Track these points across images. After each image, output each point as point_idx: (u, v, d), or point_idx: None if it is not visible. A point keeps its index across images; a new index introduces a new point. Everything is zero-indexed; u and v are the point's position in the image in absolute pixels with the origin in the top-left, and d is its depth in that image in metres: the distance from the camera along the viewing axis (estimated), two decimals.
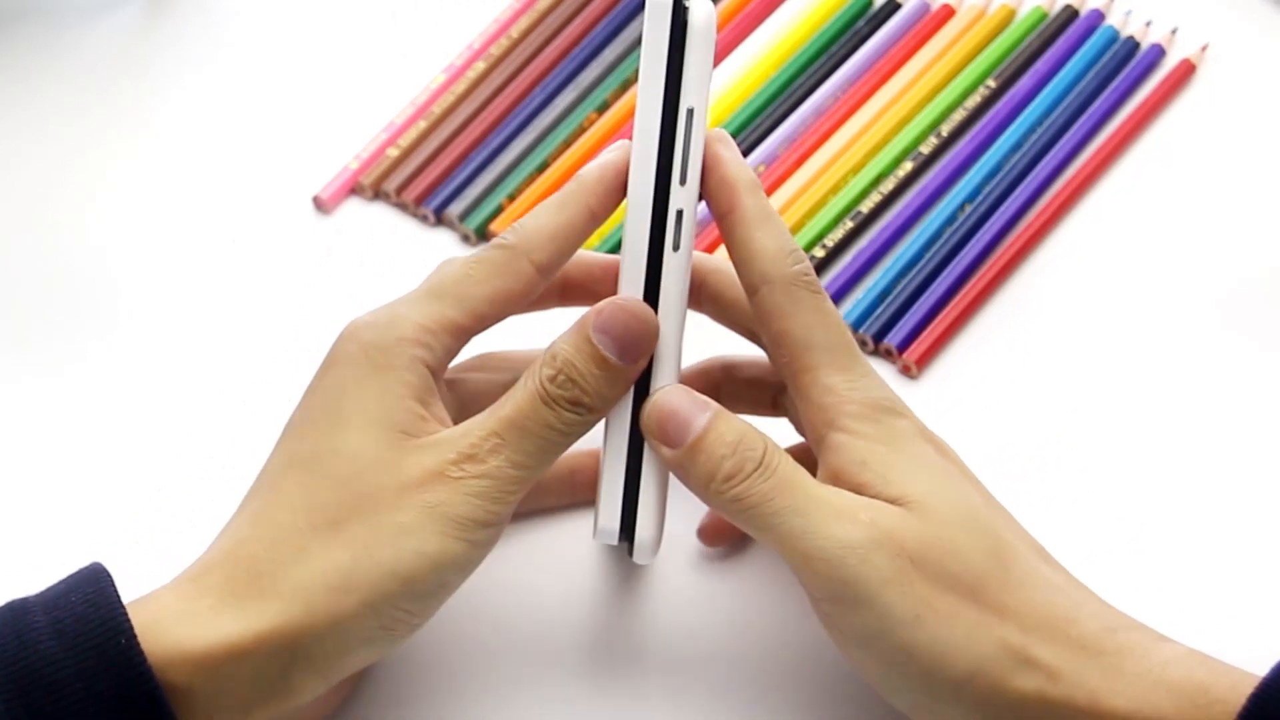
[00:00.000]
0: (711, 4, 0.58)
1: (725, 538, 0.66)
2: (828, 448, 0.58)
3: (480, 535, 0.57)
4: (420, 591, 0.57)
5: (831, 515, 0.56)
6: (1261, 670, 0.55)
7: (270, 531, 0.57)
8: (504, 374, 0.63)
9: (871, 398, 0.59)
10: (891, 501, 0.57)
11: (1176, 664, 0.55)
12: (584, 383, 0.57)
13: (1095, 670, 0.55)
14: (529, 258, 0.60)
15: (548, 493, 0.66)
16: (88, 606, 0.54)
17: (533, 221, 0.60)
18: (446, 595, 0.58)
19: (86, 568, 0.56)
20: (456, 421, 0.59)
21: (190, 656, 0.54)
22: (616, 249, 0.73)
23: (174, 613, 0.55)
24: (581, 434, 0.58)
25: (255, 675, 0.55)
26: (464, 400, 0.63)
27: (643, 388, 0.59)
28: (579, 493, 0.66)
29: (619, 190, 0.60)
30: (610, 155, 0.60)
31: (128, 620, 0.54)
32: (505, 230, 0.61)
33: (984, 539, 0.57)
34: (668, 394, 0.58)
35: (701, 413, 0.58)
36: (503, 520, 0.58)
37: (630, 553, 0.60)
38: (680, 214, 0.59)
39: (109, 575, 0.56)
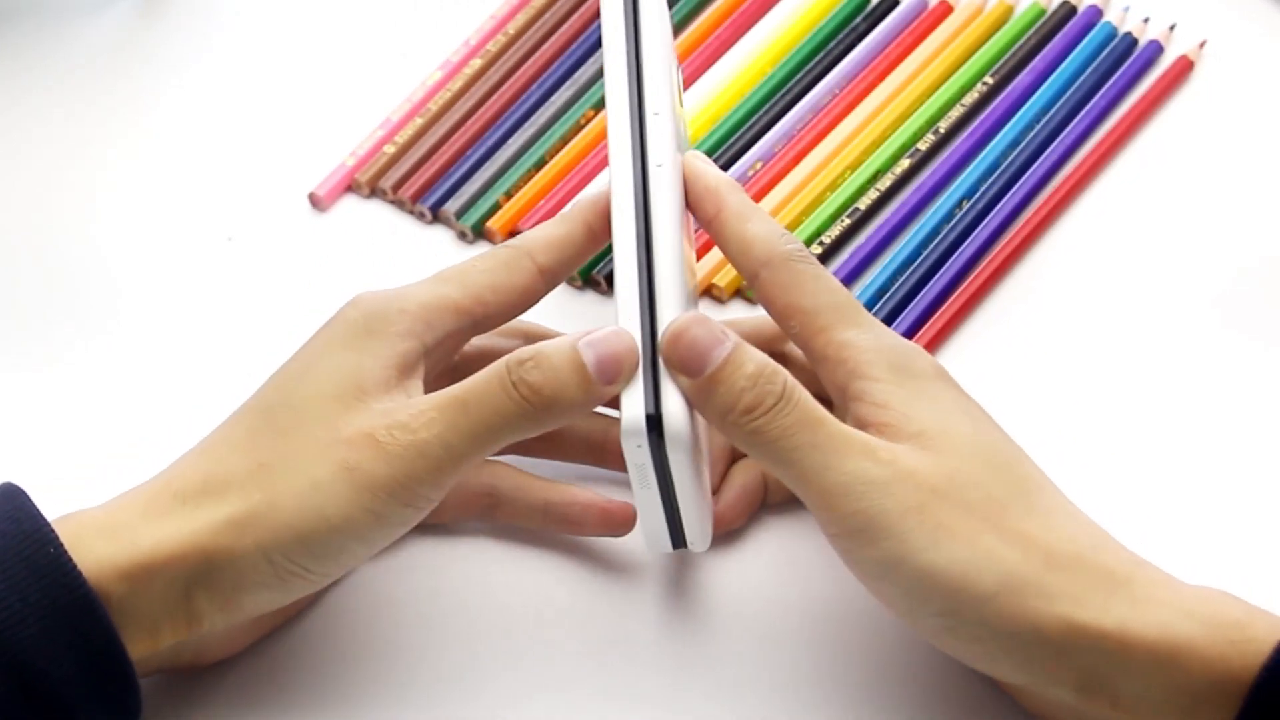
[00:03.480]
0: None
1: (738, 519, 0.66)
2: (851, 397, 0.59)
3: (390, 509, 0.57)
4: (315, 552, 0.57)
5: (852, 451, 0.57)
6: None
7: (207, 465, 0.58)
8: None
9: (887, 345, 0.60)
10: (913, 439, 0.57)
11: (1209, 599, 0.56)
12: (552, 374, 0.57)
13: (1123, 597, 0.55)
14: (531, 257, 0.62)
15: (516, 517, 0.66)
16: (9, 523, 0.56)
17: (535, 230, 0.63)
18: (349, 562, 0.59)
19: (0, 488, 0.58)
20: None
21: (112, 567, 0.56)
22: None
23: (96, 526, 0.57)
24: (523, 432, 0.58)
25: (164, 591, 0.57)
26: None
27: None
28: (548, 523, 0.66)
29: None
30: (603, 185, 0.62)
31: (53, 531, 0.56)
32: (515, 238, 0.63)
33: (1006, 472, 0.58)
34: (687, 323, 0.58)
35: (721, 344, 0.58)
36: (420, 501, 0.58)
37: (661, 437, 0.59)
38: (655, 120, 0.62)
39: (24, 493, 0.57)
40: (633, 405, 0.57)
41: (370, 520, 0.57)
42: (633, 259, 0.60)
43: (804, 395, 0.57)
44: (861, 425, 0.58)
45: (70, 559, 0.55)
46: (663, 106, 0.62)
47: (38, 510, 0.57)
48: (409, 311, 0.60)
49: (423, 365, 0.60)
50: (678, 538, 0.61)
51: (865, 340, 0.59)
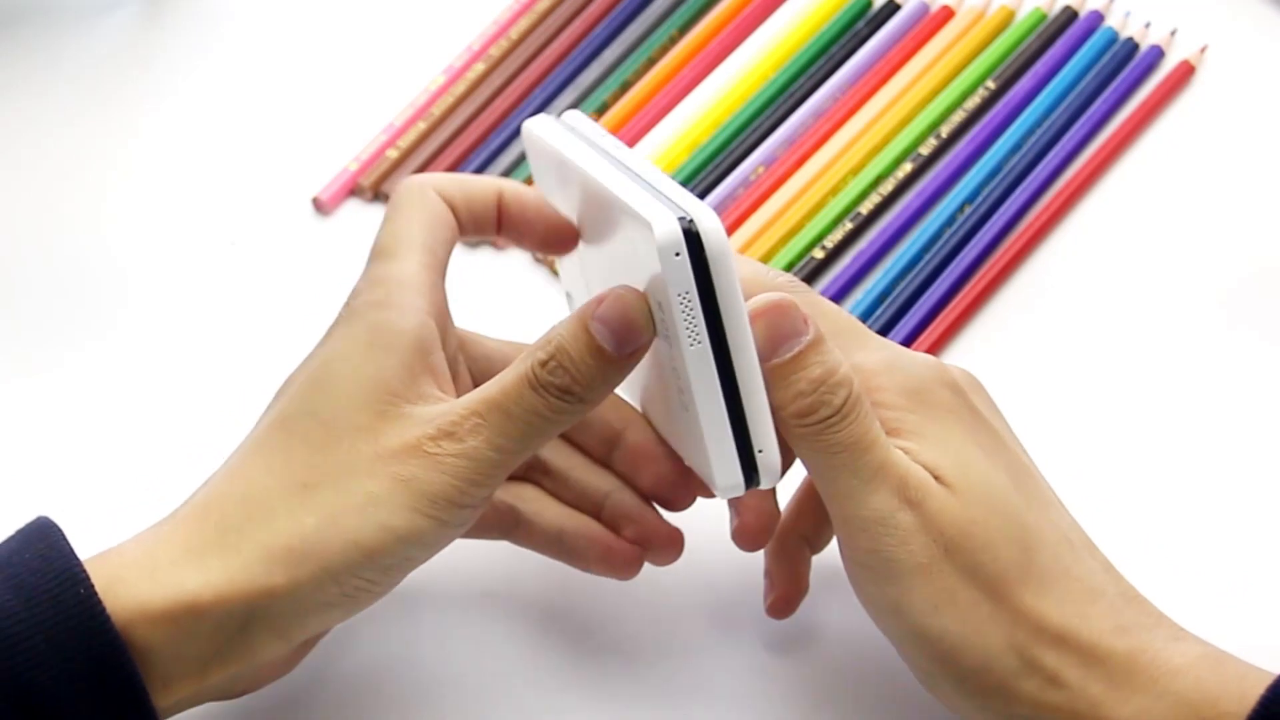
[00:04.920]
0: (718, 219, 0.54)
1: (761, 538, 0.64)
2: None
3: (451, 515, 0.56)
4: (383, 564, 0.56)
5: (883, 485, 0.56)
6: (1270, 664, 0.55)
7: (242, 488, 0.57)
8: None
9: (900, 367, 0.58)
10: (928, 469, 0.56)
11: (1186, 672, 0.55)
12: (576, 371, 0.56)
13: (1101, 678, 0.55)
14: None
15: (532, 542, 0.64)
16: (41, 560, 0.54)
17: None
18: (410, 568, 0.58)
19: (33, 524, 0.56)
20: (458, 380, 0.59)
21: (149, 611, 0.54)
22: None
23: (135, 566, 0.55)
24: (566, 424, 0.57)
25: (214, 632, 0.55)
26: (475, 359, 0.63)
27: (724, 356, 0.55)
28: (560, 554, 0.64)
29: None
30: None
31: (83, 571, 0.54)
32: None
33: (1012, 526, 0.57)
34: (773, 305, 0.56)
35: (797, 336, 0.56)
36: (477, 503, 0.57)
37: (756, 483, 0.57)
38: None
39: (59, 529, 0.55)
40: (660, 218, 0.54)
41: (435, 526, 0.56)
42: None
43: (863, 413, 0.56)
44: None
45: (99, 601, 0.53)
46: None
47: (70, 548, 0.55)
48: (409, 298, 0.58)
49: (438, 338, 0.59)
50: (743, 443, 0.56)
51: (875, 362, 0.58)
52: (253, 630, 0.55)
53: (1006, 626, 0.56)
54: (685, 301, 0.54)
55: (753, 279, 0.58)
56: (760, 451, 0.56)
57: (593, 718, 0.62)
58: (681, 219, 0.54)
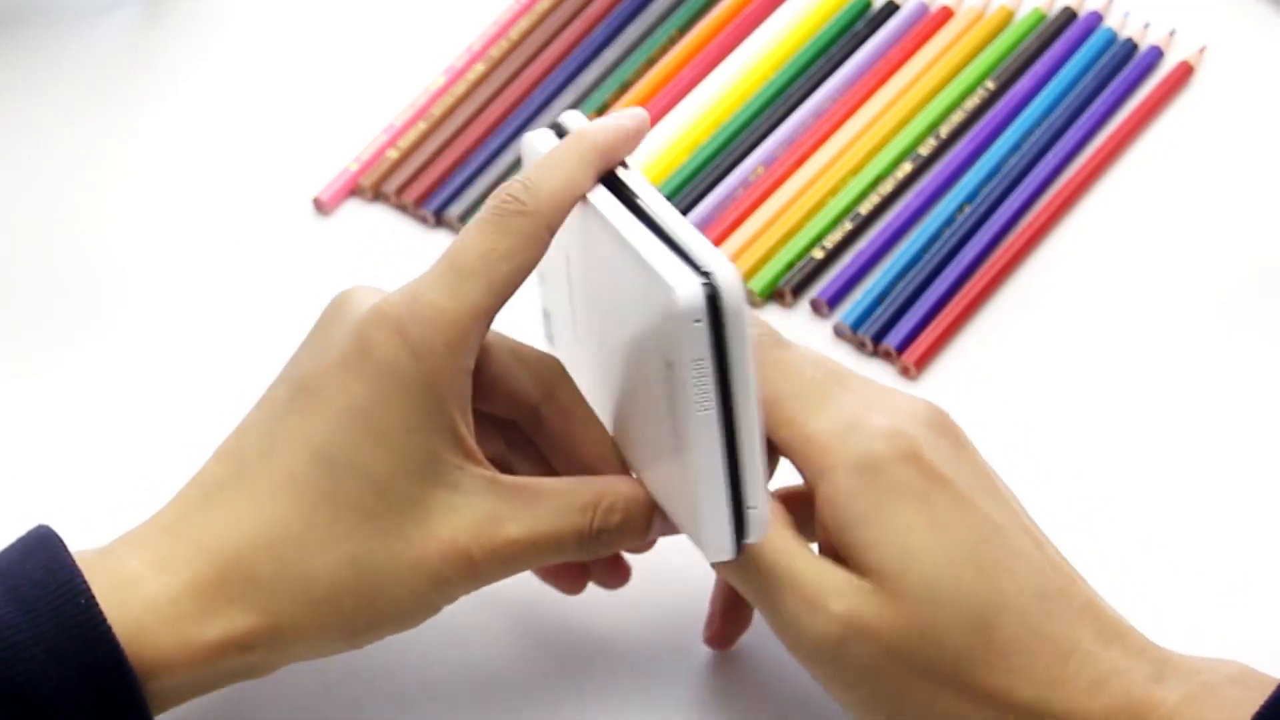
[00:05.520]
0: (737, 274, 0.53)
1: (729, 639, 0.64)
2: (818, 502, 0.56)
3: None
4: (409, 625, 0.58)
5: (806, 607, 0.55)
6: (1271, 665, 0.54)
7: (283, 543, 0.56)
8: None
9: (854, 439, 0.56)
10: (871, 572, 0.55)
11: None
12: (632, 531, 0.59)
13: None
14: (549, 227, 0.57)
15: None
16: (43, 571, 0.54)
17: (547, 183, 0.57)
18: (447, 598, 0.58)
19: (33, 533, 0.56)
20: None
21: (172, 663, 0.54)
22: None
23: (157, 615, 0.54)
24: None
25: (226, 668, 0.55)
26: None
27: (727, 403, 0.54)
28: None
29: (628, 150, 0.58)
30: (622, 121, 0.58)
31: (84, 582, 0.53)
32: (516, 187, 0.57)
33: (965, 612, 0.54)
34: None
35: None
36: None
37: (742, 546, 0.56)
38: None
39: (59, 539, 0.55)
40: (679, 278, 0.52)
41: (446, 604, 0.58)
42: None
43: (770, 536, 0.55)
44: (826, 534, 0.56)
45: (101, 613, 0.53)
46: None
47: (71, 559, 0.54)
48: (453, 344, 0.56)
49: (470, 393, 0.57)
50: (738, 503, 0.55)
51: (828, 432, 0.56)
52: (266, 662, 0.56)
53: (971, 711, 0.55)
54: (698, 368, 0.53)
55: None
56: (752, 509, 0.55)
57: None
58: (703, 281, 0.52)
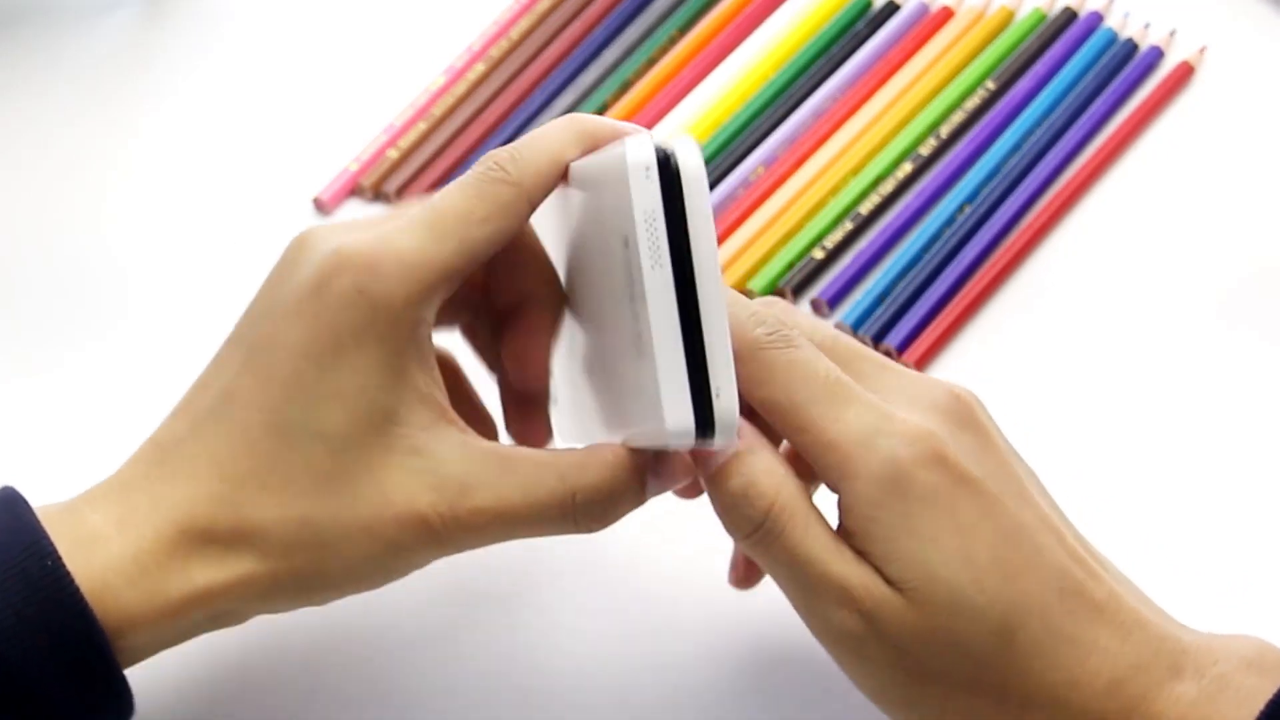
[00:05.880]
0: (698, 146, 0.53)
1: (752, 579, 0.63)
2: (840, 508, 0.55)
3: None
4: (367, 587, 0.56)
5: (829, 600, 0.54)
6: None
7: (237, 499, 0.55)
8: None
9: (876, 445, 0.54)
10: (893, 582, 0.54)
11: None
12: (614, 513, 0.56)
13: None
14: (529, 198, 0.56)
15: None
16: (8, 534, 0.53)
17: (533, 156, 0.56)
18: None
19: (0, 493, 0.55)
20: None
21: (137, 615, 0.54)
22: None
23: (122, 573, 0.54)
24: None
25: (192, 624, 0.55)
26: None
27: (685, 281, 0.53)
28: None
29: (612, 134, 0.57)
30: (622, 124, 0.58)
31: (50, 543, 0.53)
32: (503, 156, 0.56)
33: (988, 619, 0.54)
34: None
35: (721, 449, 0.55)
36: None
37: (710, 434, 0.53)
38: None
39: (23, 499, 0.55)
40: (636, 147, 0.52)
41: (411, 570, 0.56)
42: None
43: (790, 528, 0.54)
44: (848, 537, 0.55)
45: (67, 572, 0.53)
46: None
47: (35, 520, 0.54)
48: (414, 298, 0.54)
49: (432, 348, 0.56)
50: (699, 385, 0.53)
51: (849, 438, 0.54)
52: (235, 614, 0.56)
53: (989, 714, 0.55)
54: (650, 226, 0.51)
55: (735, 326, 0.54)
56: (718, 395, 0.52)
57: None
58: (658, 145, 0.52)
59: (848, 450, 0.54)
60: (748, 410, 0.55)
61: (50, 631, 0.53)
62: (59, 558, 0.53)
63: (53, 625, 0.53)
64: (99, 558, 0.54)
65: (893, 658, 0.54)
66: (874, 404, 0.55)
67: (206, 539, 0.55)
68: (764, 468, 0.55)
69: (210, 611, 0.55)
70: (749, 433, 0.55)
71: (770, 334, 0.55)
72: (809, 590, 0.55)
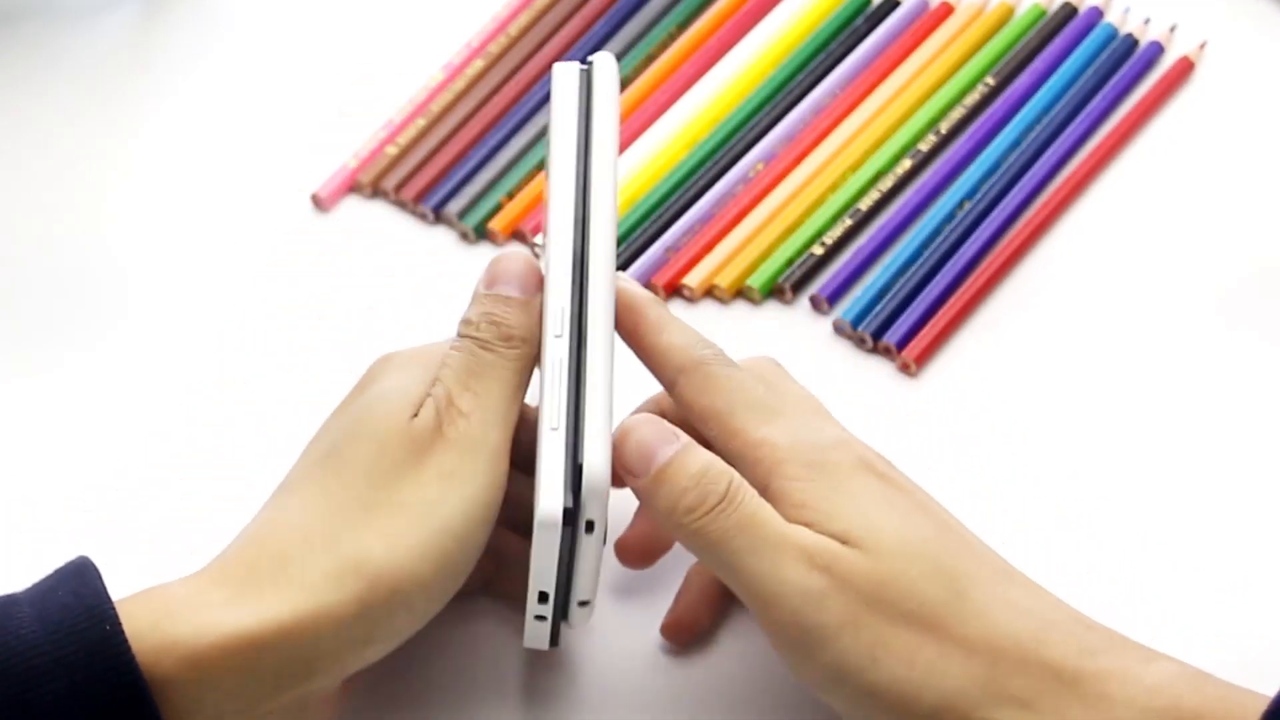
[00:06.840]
0: (615, 61, 0.60)
1: (647, 558, 0.65)
2: (772, 497, 0.58)
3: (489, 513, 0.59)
4: (446, 574, 0.58)
5: (788, 558, 0.56)
6: (1256, 680, 0.54)
7: (296, 518, 0.57)
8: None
9: (803, 440, 0.59)
10: (837, 539, 0.57)
11: (1163, 690, 0.54)
12: (502, 318, 0.60)
13: (1074, 699, 0.54)
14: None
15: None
16: (73, 597, 0.54)
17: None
18: (467, 569, 0.59)
19: (72, 562, 0.56)
20: None
21: (195, 653, 0.54)
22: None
23: (180, 605, 0.55)
24: (525, 370, 0.61)
25: (276, 670, 0.55)
26: None
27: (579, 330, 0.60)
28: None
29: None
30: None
31: (112, 608, 0.54)
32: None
33: (937, 569, 0.56)
34: (636, 423, 0.59)
35: (668, 444, 0.59)
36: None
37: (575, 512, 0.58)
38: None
39: (94, 567, 0.56)
40: (550, 496, 0.57)
41: (483, 527, 0.59)
42: (564, 376, 0.60)
43: (749, 497, 0.57)
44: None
45: (124, 639, 0.53)
46: (606, 221, 0.62)
47: (102, 585, 0.55)
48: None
49: None
50: (559, 611, 0.60)
51: (780, 437, 0.59)
52: (314, 660, 0.56)
53: (958, 661, 0.55)
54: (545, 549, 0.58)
55: (682, 348, 0.61)
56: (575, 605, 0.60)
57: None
58: (581, 68, 0.62)
59: (776, 441, 0.59)
60: (684, 424, 0.60)
61: (100, 696, 0.53)
62: (119, 622, 0.54)
63: (103, 689, 0.53)
64: (158, 598, 0.55)
65: (854, 613, 0.56)
66: (803, 420, 0.60)
67: (279, 563, 0.56)
68: (710, 456, 0.59)
69: (294, 644, 0.55)
70: (687, 437, 0.59)
71: (716, 357, 0.61)
72: (768, 553, 0.56)
